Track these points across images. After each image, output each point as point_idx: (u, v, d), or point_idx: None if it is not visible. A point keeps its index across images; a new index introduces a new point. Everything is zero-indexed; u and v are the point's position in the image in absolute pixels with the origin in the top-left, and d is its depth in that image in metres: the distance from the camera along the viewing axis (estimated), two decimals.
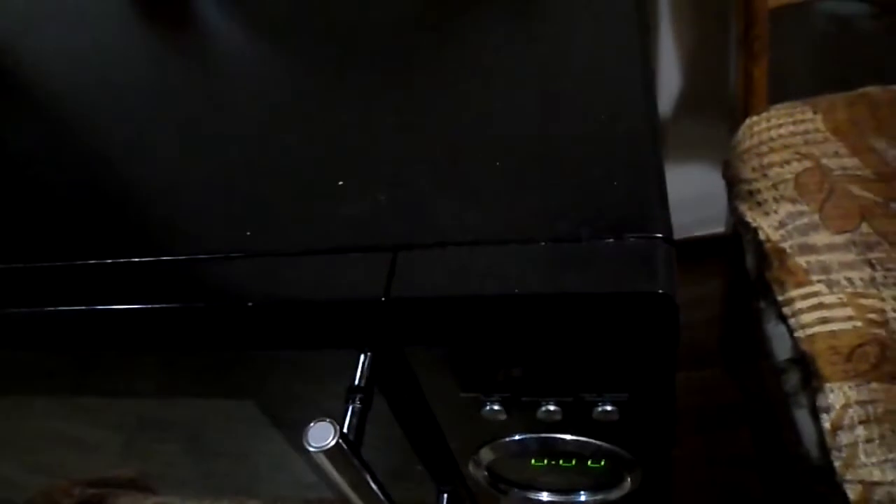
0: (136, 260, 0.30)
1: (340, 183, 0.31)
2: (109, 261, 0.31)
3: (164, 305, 0.29)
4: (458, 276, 0.26)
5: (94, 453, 0.50)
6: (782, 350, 0.55)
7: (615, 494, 0.35)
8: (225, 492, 0.55)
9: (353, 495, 0.30)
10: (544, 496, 0.36)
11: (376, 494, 0.30)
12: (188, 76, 0.41)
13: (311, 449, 0.27)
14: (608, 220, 0.26)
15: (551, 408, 0.29)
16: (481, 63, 0.35)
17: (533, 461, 0.35)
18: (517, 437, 0.33)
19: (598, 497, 0.35)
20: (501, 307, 0.26)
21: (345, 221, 0.29)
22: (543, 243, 0.26)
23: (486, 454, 0.34)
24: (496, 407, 0.30)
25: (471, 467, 0.35)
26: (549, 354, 0.27)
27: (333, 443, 0.27)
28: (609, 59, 0.33)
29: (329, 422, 0.27)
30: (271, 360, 0.32)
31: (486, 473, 0.36)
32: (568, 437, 0.32)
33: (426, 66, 0.36)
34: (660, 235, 0.25)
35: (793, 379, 0.54)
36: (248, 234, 0.30)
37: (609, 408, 0.29)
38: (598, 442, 0.31)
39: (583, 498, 0.36)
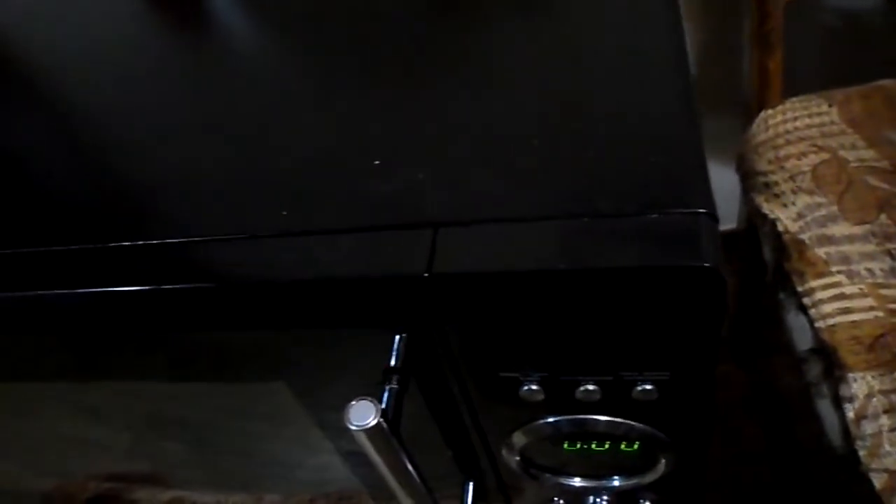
0: (172, 241, 0.30)
1: (377, 162, 0.31)
2: (142, 243, 0.30)
3: (200, 286, 0.29)
4: (500, 252, 0.26)
5: (107, 450, 0.50)
6: (803, 341, 0.55)
7: (649, 478, 0.34)
8: (240, 486, 0.55)
9: (390, 476, 0.29)
10: (577, 481, 0.36)
11: (413, 477, 0.30)
12: (210, 68, 0.41)
13: (352, 427, 0.27)
14: (650, 196, 0.26)
15: (590, 387, 0.29)
16: (514, 45, 0.35)
17: (566, 445, 0.35)
18: (551, 420, 0.33)
19: (632, 481, 0.35)
20: (545, 283, 0.25)
21: (383, 199, 0.29)
22: (586, 219, 0.26)
23: (518, 438, 0.34)
24: (534, 387, 0.30)
25: (504, 452, 0.35)
26: (590, 332, 0.27)
27: (374, 422, 0.27)
28: (644, 38, 0.33)
29: (370, 400, 0.27)
30: (304, 340, 0.31)
31: (518, 458, 0.35)
32: (604, 417, 0.32)
33: (458, 50, 0.36)
34: (703, 210, 0.25)
35: (814, 369, 0.53)
36: (284, 213, 0.30)
37: (649, 387, 0.29)
38: (635, 423, 0.31)
39: (616, 482, 0.35)
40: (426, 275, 0.26)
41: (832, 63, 0.85)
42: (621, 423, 0.31)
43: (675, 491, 0.36)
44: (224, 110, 0.36)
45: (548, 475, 0.36)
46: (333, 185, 0.30)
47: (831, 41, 0.87)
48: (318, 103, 0.35)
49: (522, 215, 0.27)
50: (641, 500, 0.38)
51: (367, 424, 0.27)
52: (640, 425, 0.31)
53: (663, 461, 0.33)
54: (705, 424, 0.31)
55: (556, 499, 0.39)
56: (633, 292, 0.25)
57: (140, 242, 0.30)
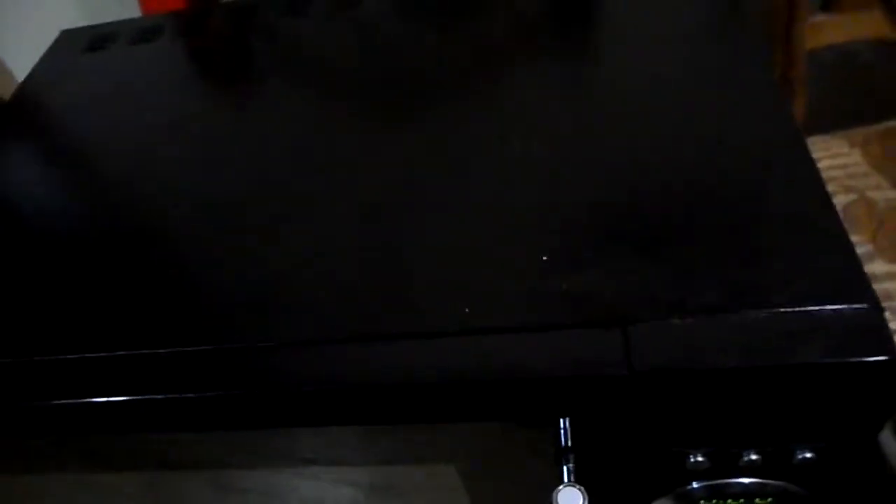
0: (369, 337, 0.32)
1: (545, 258, 0.33)
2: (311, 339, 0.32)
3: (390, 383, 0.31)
4: (695, 348, 0.29)
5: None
6: None
7: None
8: None
9: None
10: None
11: None
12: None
13: None
14: (823, 289, 0.29)
15: (753, 457, 0.32)
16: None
17: (703, 502, 0.38)
18: (697, 485, 0.35)
19: None
20: (742, 378, 0.28)
21: (562, 297, 0.32)
22: (764, 312, 0.29)
23: (664, 500, 0.37)
24: (700, 458, 0.33)
25: None
26: (768, 413, 0.30)
27: None
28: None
29: (578, 488, 0.29)
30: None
31: None
32: (749, 479, 0.35)
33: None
34: (872, 303, 0.29)
35: None
36: (467, 310, 0.32)
37: (808, 455, 0.32)
38: (787, 484, 0.34)
39: None
40: (626, 373, 0.29)
41: (834, 100, 0.91)
42: (772, 483, 0.34)
43: None
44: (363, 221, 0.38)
45: None
46: (510, 283, 0.33)
47: (830, 79, 0.93)
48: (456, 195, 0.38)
49: (700, 307, 0.30)
50: None
51: None
52: (789, 484, 0.34)
53: None
54: (851, 482, 0.34)
55: None
56: (815, 383, 0.28)
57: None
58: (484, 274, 0.34)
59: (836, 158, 0.72)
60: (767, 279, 0.30)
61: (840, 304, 0.29)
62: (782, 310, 0.29)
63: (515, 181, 0.38)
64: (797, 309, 0.29)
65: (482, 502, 0.38)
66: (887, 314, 0.62)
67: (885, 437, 0.56)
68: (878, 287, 0.65)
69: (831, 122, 0.75)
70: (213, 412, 0.33)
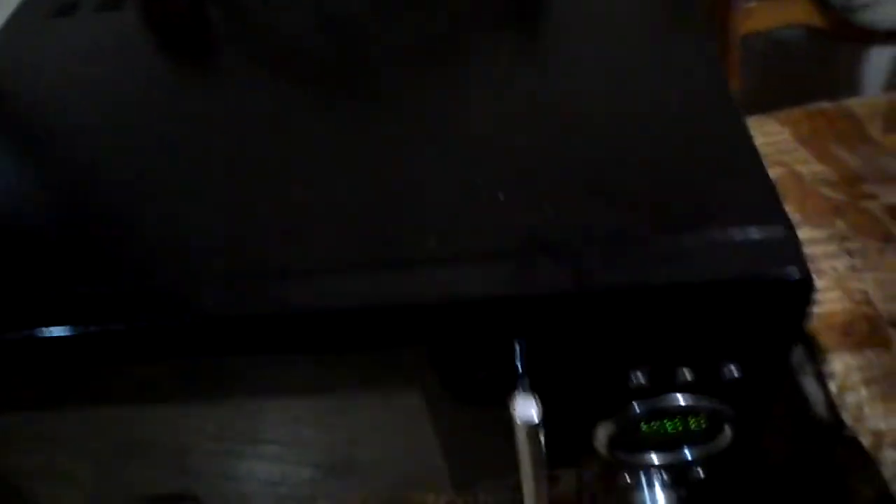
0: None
1: (501, 197, 0.36)
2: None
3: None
4: (633, 270, 0.32)
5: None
6: None
7: (716, 447, 0.42)
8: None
9: (532, 474, 0.35)
10: (654, 457, 0.43)
11: (545, 478, 0.36)
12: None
13: (519, 421, 0.33)
14: (745, 217, 0.33)
15: (687, 374, 0.36)
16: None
17: (644, 427, 0.41)
18: (641, 404, 0.39)
19: (703, 450, 0.42)
20: (673, 294, 0.32)
21: (517, 229, 0.35)
22: (695, 237, 0.33)
23: (605, 428, 0.40)
24: (640, 377, 0.36)
25: (595, 442, 0.41)
26: (698, 330, 0.34)
27: (538, 419, 0.33)
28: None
29: (533, 396, 0.33)
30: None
31: (605, 444, 0.42)
32: (687, 396, 0.38)
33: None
34: (787, 227, 0.33)
35: (797, 354, 0.63)
36: (433, 244, 0.35)
37: (735, 372, 0.36)
38: (714, 401, 0.38)
39: (689, 455, 0.42)
40: (577, 291, 0.32)
41: (765, 84, 0.97)
42: (704, 400, 0.38)
43: (731, 463, 0.44)
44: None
45: (628, 453, 0.43)
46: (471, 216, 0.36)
47: (762, 65, 0.99)
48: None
49: (638, 235, 0.33)
50: (694, 474, 0.45)
51: (533, 420, 0.33)
52: (718, 403, 0.38)
53: (729, 431, 0.40)
54: (771, 400, 0.39)
55: (623, 473, 0.46)
56: (736, 299, 0.32)
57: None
58: (446, 212, 0.37)
59: (769, 136, 0.77)
60: (696, 210, 0.34)
61: (759, 228, 0.33)
62: (709, 234, 0.33)
63: (476, 136, 0.41)
64: (722, 234, 0.33)
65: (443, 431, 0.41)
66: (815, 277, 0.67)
67: (808, 381, 0.61)
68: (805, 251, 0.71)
69: (764, 103, 0.80)
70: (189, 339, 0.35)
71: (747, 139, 0.38)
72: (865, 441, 0.54)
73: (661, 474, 0.46)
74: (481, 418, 0.40)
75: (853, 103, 0.78)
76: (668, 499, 0.47)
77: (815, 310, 0.63)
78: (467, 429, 0.42)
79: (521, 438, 0.33)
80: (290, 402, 0.42)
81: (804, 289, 0.32)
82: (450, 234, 0.35)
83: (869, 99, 0.78)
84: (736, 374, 0.36)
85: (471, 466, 0.47)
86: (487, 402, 0.38)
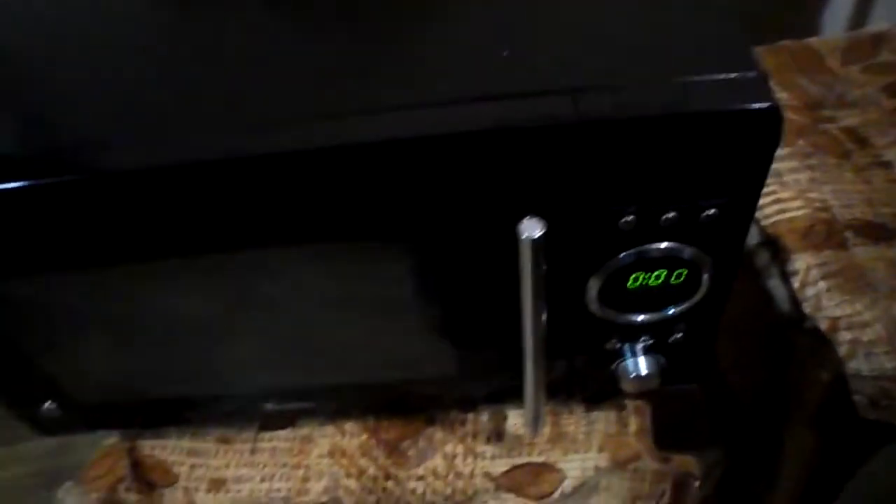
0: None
1: (505, 54, 0.40)
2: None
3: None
4: (627, 106, 0.36)
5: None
6: (752, 238, 0.69)
7: (694, 300, 0.46)
8: None
9: (532, 292, 0.39)
10: (639, 317, 0.47)
11: (544, 302, 0.40)
12: None
13: (523, 237, 0.37)
14: (724, 64, 0.37)
15: (671, 214, 0.40)
16: None
17: (630, 283, 0.46)
18: (627, 255, 0.43)
19: (683, 307, 0.46)
20: (660, 126, 0.36)
21: (520, 76, 0.39)
22: (681, 79, 0.37)
23: (596, 281, 0.45)
24: (629, 218, 0.41)
25: (586, 297, 0.46)
26: (681, 167, 0.38)
27: (541, 233, 0.37)
28: None
29: (540, 219, 0.37)
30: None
31: (596, 299, 0.46)
32: (669, 244, 0.43)
33: None
34: (760, 72, 0.37)
35: (763, 258, 0.68)
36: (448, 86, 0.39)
37: (712, 211, 0.40)
38: (692, 248, 0.42)
39: (671, 311, 0.47)
40: (576, 121, 0.36)
41: None
42: (681, 246, 0.43)
43: (704, 320, 0.48)
44: None
45: (616, 313, 0.47)
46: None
47: None
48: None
49: (631, 79, 0.38)
50: (674, 335, 0.50)
51: (536, 234, 0.37)
52: (697, 250, 0.43)
53: (706, 282, 0.45)
54: (741, 244, 0.43)
55: (613, 340, 0.50)
56: (714, 132, 0.37)
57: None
58: (454, 64, 0.41)
59: None
60: (681, 59, 0.38)
61: (738, 73, 0.37)
62: (693, 77, 0.37)
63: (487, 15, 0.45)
64: (704, 77, 0.37)
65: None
66: (776, 187, 0.72)
67: (773, 282, 0.66)
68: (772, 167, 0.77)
69: None
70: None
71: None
72: (823, 325, 0.60)
73: (643, 341, 0.51)
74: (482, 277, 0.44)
75: (813, 41, 0.83)
76: (650, 365, 0.52)
77: (780, 217, 0.68)
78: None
79: (525, 256, 0.37)
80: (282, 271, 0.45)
81: (773, 120, 0.36)
82: (458, 80, 0.39)
83: (828, 37, 0.84)
84: (713, 214, 0.40)
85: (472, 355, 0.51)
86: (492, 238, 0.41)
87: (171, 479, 0.60)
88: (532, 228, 0.37)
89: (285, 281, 0.45)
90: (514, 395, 0.59)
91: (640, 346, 0.52)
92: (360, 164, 0.38)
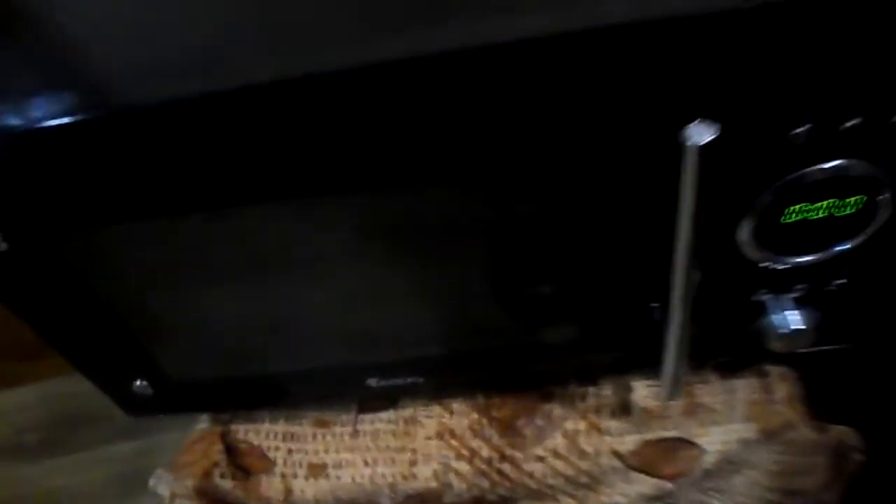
0: None
1: None
2: None
3: None
4: None
5: None
6: None
7: (867, 234, 0.40)
8: None
9: (693, 205, 0.34)
10: (800, 258, 0.41)
11: (704, 214, 0.35)
12: None
13: (688, 144, 0.31)
14: None
15: (851, 123, 0.35)
16: None
17: (786, 216, 0.40)
18: (794, 175, 0.37)
19: (852, 243, 0.40)
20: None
21: None
22: None
23: (749, 216, 0.39)
24: (806, 128, 0.35)
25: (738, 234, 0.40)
26: (870, 62, 0.33)
27: (711, 138, 0.31)
28: None
29: (711, 122, 0.31)
30: None
31: (751, 234, 0.40)
32: (843, 160, 0.37)
33: None
34: None
35: None
36: None
37: None
38: (872, 163, 0.36)
39: (836, 249, 0.41)
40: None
41: None
42: (859, 163, 0.37)
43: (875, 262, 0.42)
44: None
45: (773, 253, 0.41)
46: None
47: None
48: None
49: None
50: (835, 280, 0.44)
51: (704, 140, 0.31)
52: (878, 166, 0.37)
53: (883, 211, 0.39)
54: None
55: (762, 290, 0.44)
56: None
57: None
58: None
59: None
60: None
61: None
62: None
63: None
64: None
65: None
66: None
67: None
68: None
69: None
70: None
71: None
72: None
73: (798, 290, 0.45)
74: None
75: None
76: (803, 318, 0.45)
77: None
78: None
79: (690, 168, 0.32)
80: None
81: None
82: None
83: None
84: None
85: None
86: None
87: (268, 465, 0.56)
88: (701, 133, 0.31)
89: (403, 231, 0.41)
90: (636, 365, 0.53)
91: (790, 297, 0.45)
92: (501, 67, 0.33)
